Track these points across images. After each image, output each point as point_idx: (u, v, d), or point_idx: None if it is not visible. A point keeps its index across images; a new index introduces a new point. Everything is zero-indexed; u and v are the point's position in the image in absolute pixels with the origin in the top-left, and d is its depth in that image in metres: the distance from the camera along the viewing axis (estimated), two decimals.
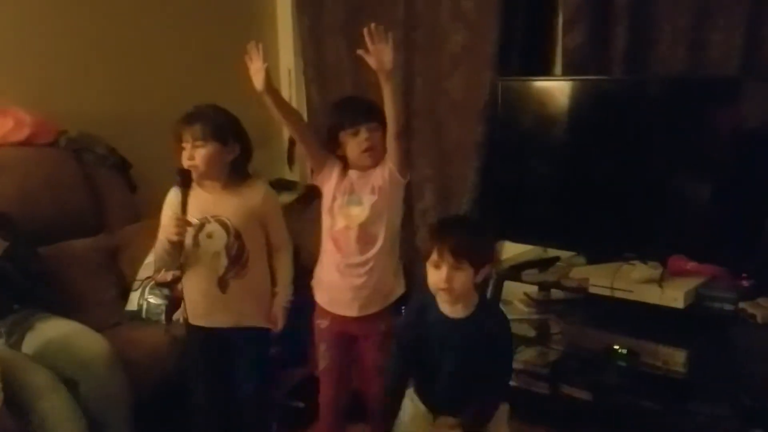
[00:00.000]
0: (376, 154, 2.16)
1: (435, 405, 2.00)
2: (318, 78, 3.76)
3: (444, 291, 1.84)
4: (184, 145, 2.11)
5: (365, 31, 1.96)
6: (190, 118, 2.13)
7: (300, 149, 3.80)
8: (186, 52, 3.48)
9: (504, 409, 2.01)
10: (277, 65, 3.93)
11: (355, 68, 3.59)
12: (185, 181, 2.09)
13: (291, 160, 3.97)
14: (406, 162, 2.16)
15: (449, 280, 1.82)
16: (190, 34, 3.50)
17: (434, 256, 1.84)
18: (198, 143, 2.10)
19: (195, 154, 2.10)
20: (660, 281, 2.45)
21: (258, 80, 2.07)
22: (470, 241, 1.84)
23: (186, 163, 2.10)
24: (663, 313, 2.44)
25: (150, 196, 3.06)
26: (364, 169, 2.19)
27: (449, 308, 1.90)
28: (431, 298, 1.92)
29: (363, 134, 2.14)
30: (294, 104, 3.82)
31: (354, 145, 2.15)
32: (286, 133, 3.88)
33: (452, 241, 1.82)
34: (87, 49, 3.12)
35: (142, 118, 3.22)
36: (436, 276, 1.84)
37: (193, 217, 2.13)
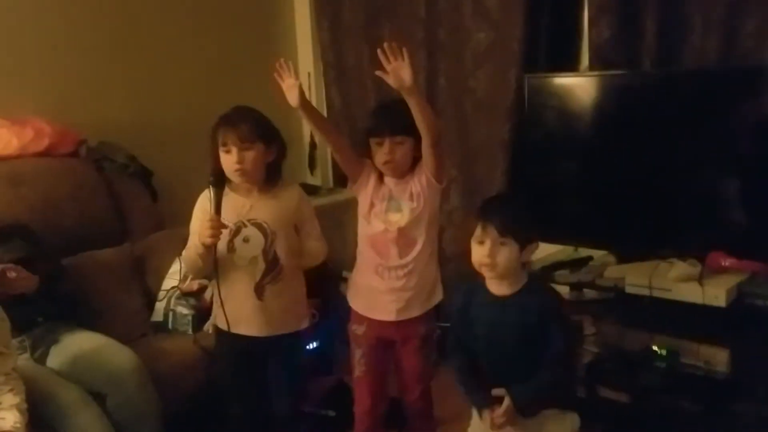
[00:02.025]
0: (396, 167, 2.13)
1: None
2: (338, 80, 3.73)
3: (487, 267, 1.82)
4: (227, 147, 2.05)
5: (379, 51, 1.92)
6: (233, 120, 2.07)
7: (322, 153, 3.86)
8: (205, 58, 3.46)
9: (572, 419, 1.93)
10: (296, 68, 3.89)
11: (376, 70, 3.54)
12: (218, 181, 2.03)
13: (312, 165, 3.94)
14: (443, 168, 2.12)
15: (492, 254, 1.80)
16: (208, 41, 3.48)
17: (478, 232, 1.82)
18: (246, 145, 2.05)
19: (244, 157, 2.04)
20: (700, 279, 2.39)
21: (292, 97, 2.04)
22: (515, 217, 1.83)
23: (234, 166, 2.04)
24: (703, 312, 2.38)
25: (172, 205, 3.06)
26: (400, 175, 2.15)
27: (496, 287, 1.87)
28: (480, 283, 1.89)
29: (386, 146, 2.11)
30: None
31: (376, 154, 2.14)
32: (306, 137, 3.87)
33: (498, 216, 1.81)
34: (106, 58, 3.10)
35: (162, 126, 3.21)
36: (479, 252, 1.82)
37: (228, 221, 2.07)
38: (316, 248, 2.21)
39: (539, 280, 1.96)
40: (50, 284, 2.30)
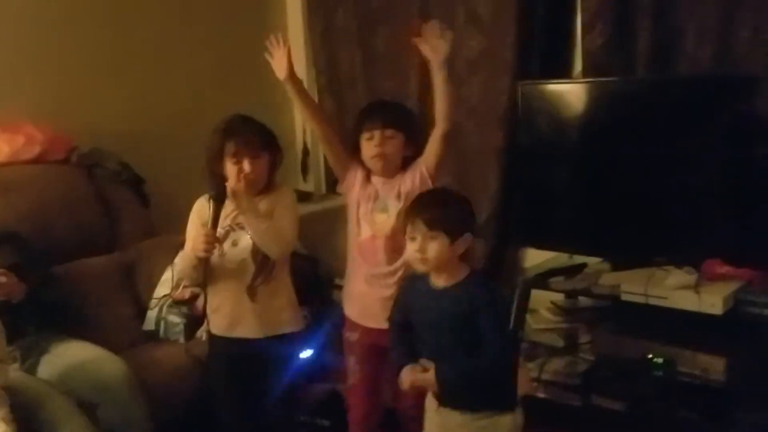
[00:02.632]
0: (386, 163, 2.11)
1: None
2: (331, 86, 3.71)
3: (419, 261, 1.86)
4: (238, 158, 2.03)
5: (424, 25, 1.94)
6: (242, 130, 2.06)
7: (315, 159, 3.85)
8: (197, 65, 3.44)
9: (515, 420, 1.92)
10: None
11: (369, 76, 3.55)
12: (220, 196, 2.02)
13: (305, 171, 3.92)
14: (442, 165, 2.12)
15: (423, 249, 1.83)
16: (200, 48, 3.46)
17: (409, 229, 1.86)
18: (257, 153, 2.05)
19: (255, 166, 2.03)
20: (696, 287, 2.38)
21: (281, 67, 2.05)
22: (443, 211, 1.86)
23: (247, 176, 2.02)
24: (699, 320, 2.37)
25: (163, 212, 3.04)
26: (389, 174, 2.14)
27: (435, 278, 1.90)
28: (426, 274, 1.92)
29: (376, 139, 2.09)
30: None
31: (366, 149, 2.12)
32: (299, 143, 3.85)
33: (425, 211, 1.85)
34: (98, 65, 3.08)
35: (153, 132, 3.18)
36: (411, 247, 1.86)
37: (219, 227, 2.06)
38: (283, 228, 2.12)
39: (481, 274, 1.99)
40: (39, 292, 2.27)
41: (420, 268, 1.88)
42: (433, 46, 1.94)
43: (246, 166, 2.03)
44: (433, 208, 1.85)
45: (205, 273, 2.06)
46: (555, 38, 3.04)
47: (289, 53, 2.04)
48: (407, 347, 1.96)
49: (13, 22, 2.83)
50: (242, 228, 2.09)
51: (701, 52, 2.66)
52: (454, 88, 2.02)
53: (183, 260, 2.09)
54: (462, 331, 1.84)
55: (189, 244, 2.08)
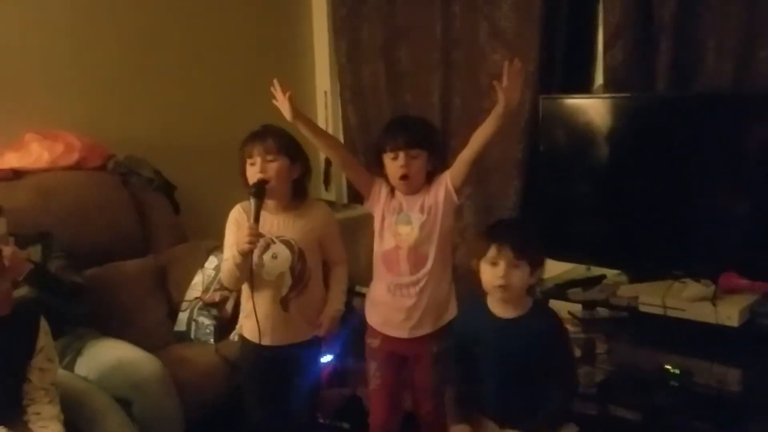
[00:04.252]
0: (412, 182, 2.15)
1: (498, 414, 1.95)
2: (355, 100, 3.78)
3: (500, 288, 1.84)
4: (253, 160, 2.13)
5: (506, 63, 1.98)
6: (261, 134, 2.16)
7: (337, 170, 3.91)
8: (227, 78, 3.54)
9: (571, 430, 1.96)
10: (313, 87, 3.98)
11: (392, 90, 3.62)
12: (259, 192, 2.09)
13: (327, 181, 3.99)
14: (468, 184, 2.16)
15: (507, 276, 1.82)
16: (230, 62, 3.56)
17: (492, 253, 1.84)
18: (270, 157, 2.12)
19: (267, 168, 2.12)
20: (713, 299, 2.41)
21: (285, 110, 2.12)
22: (530, 240, 1.86)
23: (257, 176, 2.12)
24: (716, 332, 2.40)
25: (194, 218, 3.13)
26: (413, 191, 2.18)
27: (501, 309, 1.90)
28: (481, 302, 1.92)
29: (401, 160, 2.12)
30: (330, 126, 3.86)
31: (391, 168, 2.16)
32: (322, 154, 3.92)
33: (514, 238, 1.83)
34: (134, 78, 3.19)
35: (185, 142, 3.29)
36: (492, 273, 1.84)
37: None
38: (337, 261, 2.29)
39: (543, 302, 1.98)
40: (61, 280, 2.30)
41: (499, 295, 1.87)
42: (508, 96, 1.97)
43: (257, 166, 2.11)
44: (522, 237, 1.86)
45: (250, 270, 2.10)
46: (577, 53, 3.09)
47: (291, 98, 2.10)
48: (466, 402, 1.94)
49: (53, 36, 2.94)
50: (283, 241, 2.15)
51: (721, 70, 2.69)
52: (500, 132, 2.06)
53: (226, 264, 2.13)
54: (534, 364, 1.85)
55: (228, 253, 2.13)
